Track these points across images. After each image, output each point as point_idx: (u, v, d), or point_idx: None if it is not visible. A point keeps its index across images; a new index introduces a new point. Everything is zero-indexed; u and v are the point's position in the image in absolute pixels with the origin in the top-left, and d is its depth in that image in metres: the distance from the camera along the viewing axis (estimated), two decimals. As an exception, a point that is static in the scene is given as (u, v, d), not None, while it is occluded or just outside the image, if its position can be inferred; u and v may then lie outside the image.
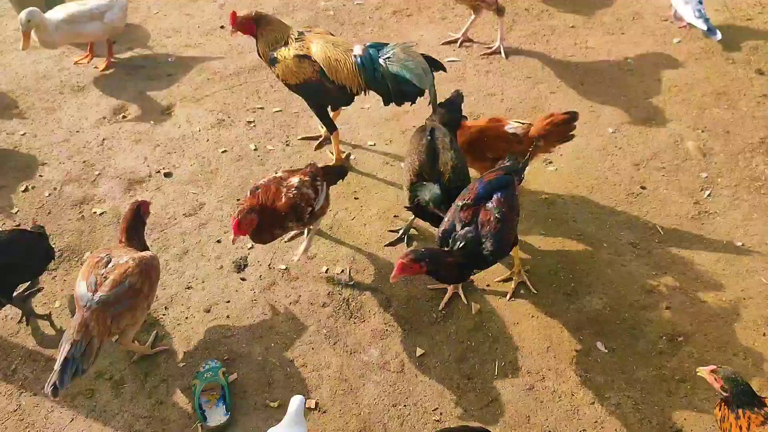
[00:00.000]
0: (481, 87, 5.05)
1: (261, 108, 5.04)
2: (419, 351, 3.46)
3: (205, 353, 3.51)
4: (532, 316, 3.55)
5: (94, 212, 4.32)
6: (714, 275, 3.69)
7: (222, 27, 5.88)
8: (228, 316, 3.69)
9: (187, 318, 3.69)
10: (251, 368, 3.44)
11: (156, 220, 4.21)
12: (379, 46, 3.82)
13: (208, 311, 3.72)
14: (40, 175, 4.60)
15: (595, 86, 4.98)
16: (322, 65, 3.84)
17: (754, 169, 4.27)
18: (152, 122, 4.95)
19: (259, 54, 4.07)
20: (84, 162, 4.67)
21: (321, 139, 4.65)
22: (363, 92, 3.90)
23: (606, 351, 3.39)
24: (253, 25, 3.97)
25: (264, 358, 3.48)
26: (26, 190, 4.49)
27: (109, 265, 3.15)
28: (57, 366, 2.90)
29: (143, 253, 3.28)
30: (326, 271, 3.87)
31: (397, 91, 3.78)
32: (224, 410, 3.24)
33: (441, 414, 3.21)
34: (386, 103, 3.93)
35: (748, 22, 5.49)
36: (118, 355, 3.52)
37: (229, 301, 3.76)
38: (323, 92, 3.94)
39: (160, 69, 5.42)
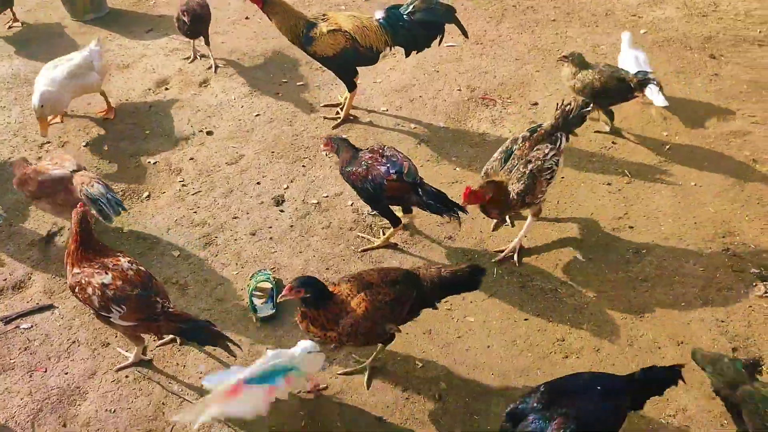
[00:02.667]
0: (476, 66, 5.87)
1: (286, 82, 5.81)
2: (432, 262, 4.20)
3: (254, 264, 4.23)
4: (525, 236, 4.32)
5: (149, 162, 5.05)
6: (672, 207, 4.49)
7: (246, 18, 6.67)
8: (271, 238, 4.42)
9: (236, 240, 4.42)
10: (293, 275, 4.15)
11: (202, 168, 4.95)
12: (397, 6, 4.80)
13: (254, 234, 4.45)
14: (99, 134, 5.32)
15: (574, 67, 5.82)
16: (353, 33, 4.67)
17: (705, 130, 5.11)
18: (192, 93, 5.70)
19: (289, 39, 4.90)
20: (134, 123, 5.41)
21: (340, 120, 5.35)
22: (389, 48, 4.83)
23: (584, 260, 4.16)
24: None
25: (303, 268, 4.21)
26: (87, 144, 5.21)
27: None
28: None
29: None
30: (351, 205, 4.62)
31: (424, 35, 4.80)
32: (271, 306, 3.94)
33: (450, 305, 3.94)
34: (408, 54, 4.92)
35: (703, 18, 6.39)
36: (181, 265, 4.23)
37: (271, 227, 4.50)
38: (357, 56, 4.84)
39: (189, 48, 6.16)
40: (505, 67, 5.87)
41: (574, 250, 4.23)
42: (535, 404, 2.82)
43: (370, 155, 4.01)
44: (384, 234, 4.31)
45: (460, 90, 5.62)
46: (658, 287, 3.98)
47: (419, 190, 3.92)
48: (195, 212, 4.62)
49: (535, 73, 5.78)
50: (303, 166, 4.95)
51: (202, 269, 4.23)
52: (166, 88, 5.79)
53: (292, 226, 4.49)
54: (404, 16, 4.79)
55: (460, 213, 3.92)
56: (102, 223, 4.09)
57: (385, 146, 4.09)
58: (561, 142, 3.94)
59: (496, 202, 3.86)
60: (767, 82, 5.53)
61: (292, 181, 4.82)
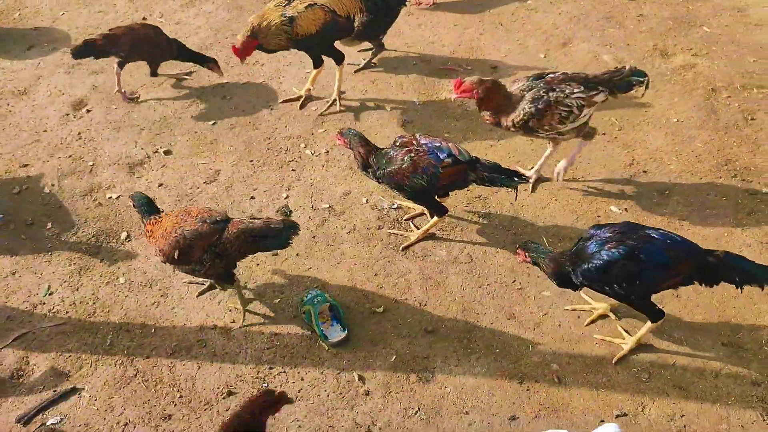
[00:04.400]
0: (420, 38, 5.66)
1: (227, 82, 5.23)
2: (479, 242, 4.01)
3: (293, 287, 3.78)
4: (555, 200, 4.25)
5: (109, 197, 4.32)
6: (669, 145, 4.62)
7: (144, 18, 5.90)
8: (297, 254, 3.97)
9: (258, 264, 3.92)
10: (342, 289, 3.77)
11: (180, 192, 4.33)
12: None
13: (276, 254, 3.97)
14: (28, 176, 4.46)
15: (513, 24, 5.81)
16: (329, 5, 4.29)
17: (658, 68, 5.32)
18: (124, 110, 4.94)
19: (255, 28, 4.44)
20: (70, 156, 4.59)
21: (303, 99, 4.98)
22: (362, 14, 4.58)
23: (620, 211, 4.18)
24: None
25: (350, 278, 3.84)
26: (20, 192, 4.35)
27: None
28: None
29: None
30: (366, 202, 4.27)
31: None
32: (340, 327, 3.55)
33: (520, 283, 3.80)
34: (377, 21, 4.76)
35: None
36: (211, 307, 3.68)
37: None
38: (338, 28, 4.56)
39: (102, 61, 5.31)
40: (447, 34, 5.72)
41: (606, 204, 4.23)
42: (607, 232, 3.13)
43: (406, 149, 3.70)
44: (417, 226, 4.05)
45: (416, 64, 5.38)
46: (696, 224, 4.10)
47: (477, 165, 3.69)
48: (196, 244, 4.02)
49: (480, 37, 5.68)
50: (293, 170, 4.50)
51: (238, 306, 3.71)
52: (88, 110, 4.98)
53: (314, 236, 4.07)
54: None
55: (518, 180, 3.75)
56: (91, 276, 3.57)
57: (411, 135, 3.80)
58: (596, 94, 3.87)
59: (487, 102, 3.83)
60: (685, 15, 5.88)
61: (289, 189, 4.36)
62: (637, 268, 3.06)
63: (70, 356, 3.48)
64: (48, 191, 4.36)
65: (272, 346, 3.52)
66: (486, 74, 5.15)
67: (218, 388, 3.34)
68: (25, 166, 4.53)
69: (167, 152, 4.62)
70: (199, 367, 3.43)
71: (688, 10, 5.91)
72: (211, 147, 4.65)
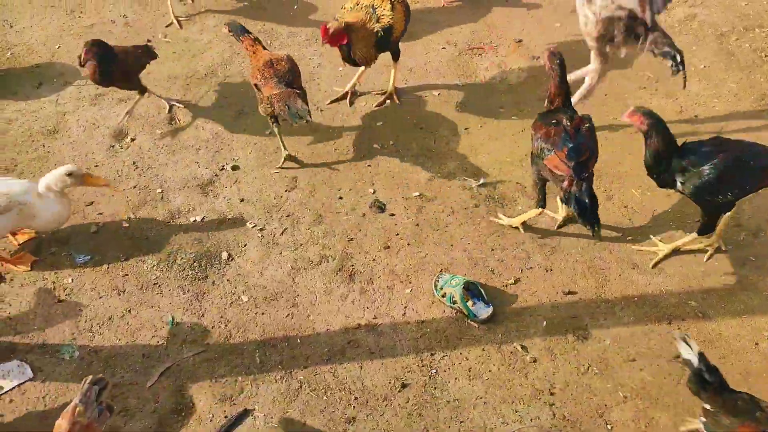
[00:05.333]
0: (435, 23, 5.75)
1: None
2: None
3: (418, 275, 3.83)
4: (629, 153, 4.46)
5: (194, 220, 4.21)
6: (703, 90, 4.94)
7: (149, 41, 5.71)
8: (409, 244, 4.01)
9: (374, 260, 3.94)
10: (465, 269, 3.85)
11: (266, 203, 4.27)
12: None
13: (388, 248, 4.00)
14: (99, 213, 4.27)
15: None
16: None
17: (665, 22, 5.64)
18: (171, 134, 4.79)
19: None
20: (134, 187, 4.43)
21: (349, 95, 4.99)
22: None
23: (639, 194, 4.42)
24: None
25: (469, 258, 3.92)
26: (98, 231, 4.17)
27: None
28: None
29: None
30: (454, 182, 4.34)
31: None
32: (484, 304, 3.63)
33: (630, 236, 3.98)
34: None
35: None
36: (348, 309, 3.68)
37: (397, 234, 4.07)
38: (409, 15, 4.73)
39: (118, 92, 5.08)
40: (461, 16, 5.83)
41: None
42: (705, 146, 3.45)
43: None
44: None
45: (444, 48, 5.48)
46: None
47: None
48: (305, 251, 4.00)
49: (492, 15, 5.83)
50: (368, 165, 4.51)
51: (373, 302, 3.72)
52: (132, 139, 4.79)
53: (417, 224, 4.11)
54: None
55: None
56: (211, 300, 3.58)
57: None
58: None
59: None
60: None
61: (373, 184, 4.38)
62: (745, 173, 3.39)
63: (225, 381, 3.40)
64: (127, 225, 4.19)
65: (423, 334, 3.56)
66: (513, 47, 5.35)
67: (389, 382, 3.36)
68: (90, 204, 4.32)
69: (234, 167, 4.53)
70: (362, 367, 3.43)
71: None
72: (277, 155, 4.58)
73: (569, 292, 3.70)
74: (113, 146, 4.73)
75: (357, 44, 4.41)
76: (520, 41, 5.51)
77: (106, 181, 4.05)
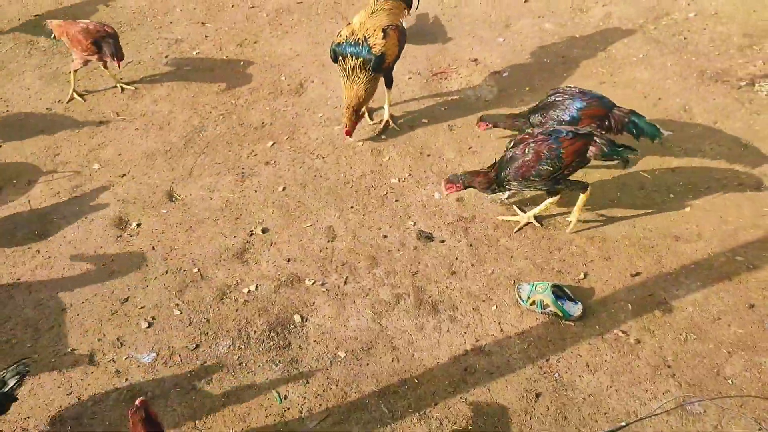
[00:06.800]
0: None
1: (274, 144, 5.06)
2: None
3: (494, 291, 3.97)
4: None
5: (248, 291, 4.07)
6: (652, 76, 5.49)
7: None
8: (472, 264, 4.14)
9: (447, 287, 4.02)
10: (535, 276, 4.04)
11: (315, 258, 4.22)
12: None
13: (454, 272, 4.10)
14: (141, 307, 4.01)
15: (452, 21, 6.30)
16: (393, 22, 4.79)
17: (586, 22, 6.21)
18: (179, 209, 4.58)
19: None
20: (166, 273, 4.20)
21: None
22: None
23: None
24: None
25: (534, 264, 4.11)
26: (151, 324, 3.92)
27: None
28: None
29: None
30: (483, 199, 4.53)
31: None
32: (572, 303, 3.83)
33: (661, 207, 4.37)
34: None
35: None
36: (445, 336, 3.73)
37: (457, 258, 4.18)
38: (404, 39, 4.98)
39: (110, 174, 4.82)
40: (410, 47, 6.02)
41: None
42: None
43: (523, 144, 3.98)
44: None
45: (410, 77, 5.67)
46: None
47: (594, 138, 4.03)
48: (376, 294, 4.00)
49: (439, 41, 6.10)
50: (396, 200, 4.58)
51: (467, 326, 3.80)
52: (138, 224, 4.53)
53: (471, 245, 4.25)
54: None
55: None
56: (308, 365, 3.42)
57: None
58: None
59: None
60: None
61: (410, 216, 4.46)
62: None
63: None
64: (179, 312, 3.96)
65: (529, 343, 3.70)
66: (470, 68, 5.65)
67: (522, 396, 3.46)
68: (126, 300, 4.04)
69: (264, 230, 4.42)
70: (489, 390, 3.50)
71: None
72: (302, 209, 4.53)
73: (636, 274, 3.99)
74: (120, 236, 4.43)
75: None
76: (475, 60, 5.82)
77: None
